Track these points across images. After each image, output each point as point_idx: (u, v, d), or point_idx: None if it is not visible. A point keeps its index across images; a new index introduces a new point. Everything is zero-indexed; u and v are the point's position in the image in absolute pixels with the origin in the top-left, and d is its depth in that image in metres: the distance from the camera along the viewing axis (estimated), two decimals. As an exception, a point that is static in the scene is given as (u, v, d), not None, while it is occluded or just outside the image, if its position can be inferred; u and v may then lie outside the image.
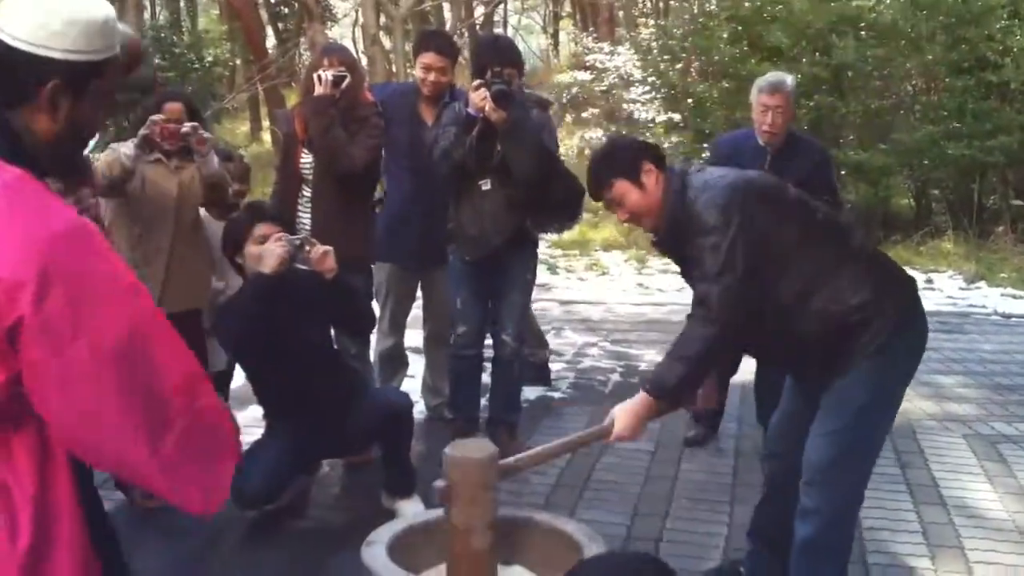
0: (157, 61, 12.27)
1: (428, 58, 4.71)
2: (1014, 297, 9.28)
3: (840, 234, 3.08)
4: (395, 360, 5.20)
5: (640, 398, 3.01)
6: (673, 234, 3.06)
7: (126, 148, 4.15)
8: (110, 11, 1.81)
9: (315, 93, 4.32)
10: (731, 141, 5.05)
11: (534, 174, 4.32)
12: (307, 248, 3.78)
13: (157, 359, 1.69)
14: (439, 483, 2.61)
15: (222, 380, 4.45)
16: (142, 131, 4.13)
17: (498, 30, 25.12)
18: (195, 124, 4.14)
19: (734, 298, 2.87)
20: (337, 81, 4.31)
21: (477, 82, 4.23)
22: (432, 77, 4.71)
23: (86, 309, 1.61)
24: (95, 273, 1.64)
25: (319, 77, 4.31)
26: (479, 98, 4.19)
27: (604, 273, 10.77)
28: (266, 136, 18.79)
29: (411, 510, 3.89)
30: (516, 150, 4.27)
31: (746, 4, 12.33)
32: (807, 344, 2.98)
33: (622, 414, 2.99)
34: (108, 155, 4.13)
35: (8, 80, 1.73)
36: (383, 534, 2.78)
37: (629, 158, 3.12)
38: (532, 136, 4.32)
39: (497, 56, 4.36)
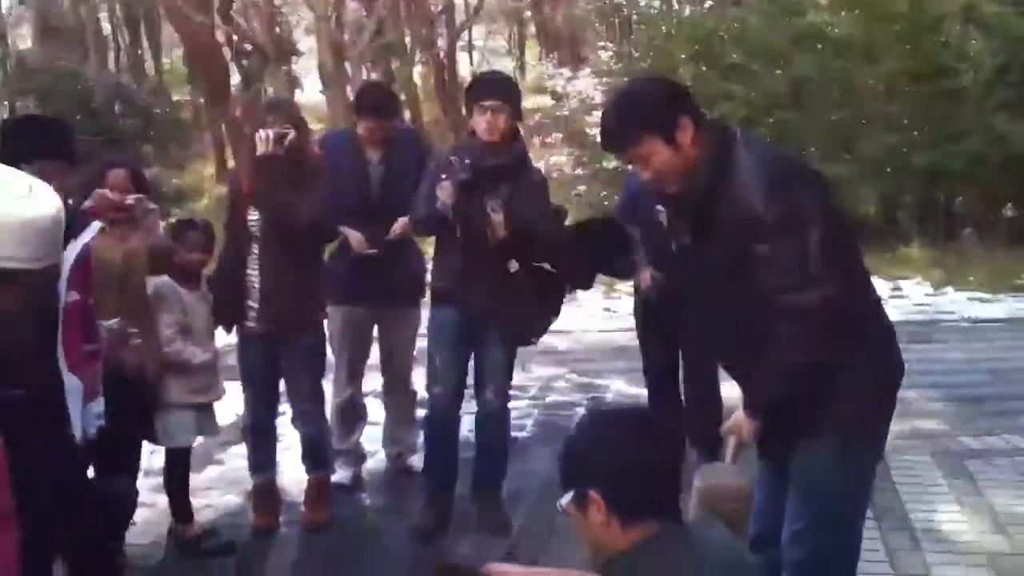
0: (118, 109, 12.19)
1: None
2: (981, 301, 9.33)
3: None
4: (354, 412, 5.06)
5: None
6: (702, 206, 2.62)
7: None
8: None
9: (258, 152, 4.28)
10: None
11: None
12: None
13: None
14: None
15: (180, 458, 4.34)
16: (86, 203, 4.05)
17: (464, 55, 25.19)
18: (139, 196, 4.05)
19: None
20: (279, 139, 4.26)
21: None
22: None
23: None
24: None
25: (260, 136, 4.27)
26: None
27: (571, 299, 10.67)
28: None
29: None
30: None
31: (706, 25, 12.42)
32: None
33: None
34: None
35: None
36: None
37: (661, 110, 2.60)
38: (546, 222, 4.30)
39: (486, 92, 4.26)
